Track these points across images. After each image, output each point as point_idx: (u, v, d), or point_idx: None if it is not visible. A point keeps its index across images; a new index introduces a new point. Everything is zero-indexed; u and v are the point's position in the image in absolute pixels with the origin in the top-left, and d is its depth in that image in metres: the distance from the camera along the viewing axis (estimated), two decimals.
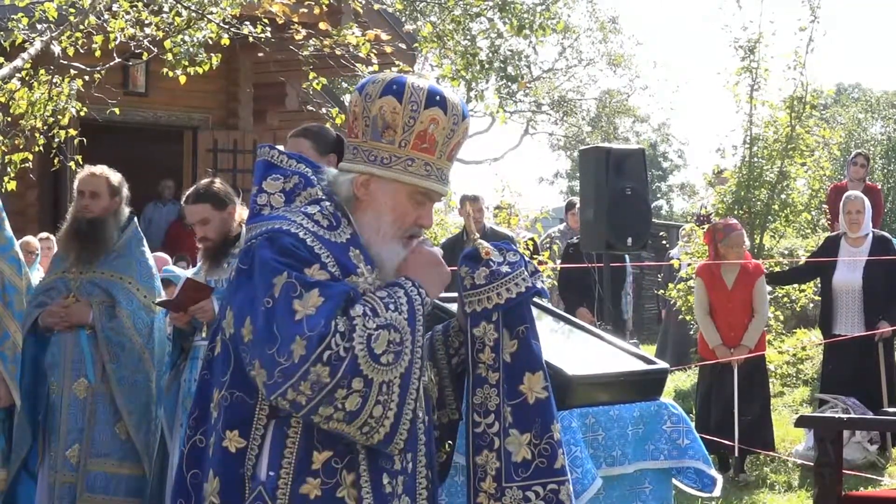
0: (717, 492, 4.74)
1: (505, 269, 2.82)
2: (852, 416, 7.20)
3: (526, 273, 2.84)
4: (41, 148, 8.07)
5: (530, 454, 2.75)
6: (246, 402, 2.54)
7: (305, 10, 8.23)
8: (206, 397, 2.64)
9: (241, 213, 5.23)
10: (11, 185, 7.92)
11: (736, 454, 8.01)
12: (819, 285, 9.21)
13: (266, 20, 8.09)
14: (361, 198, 2.65)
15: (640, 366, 4.76)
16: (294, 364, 2.38)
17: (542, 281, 2.94)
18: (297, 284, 2.44)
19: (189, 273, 5.72)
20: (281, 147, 2.85)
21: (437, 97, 2.64)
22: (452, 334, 2.91)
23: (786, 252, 11.89)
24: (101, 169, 5.45)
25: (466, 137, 2.75)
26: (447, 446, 2.90)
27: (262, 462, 2.52)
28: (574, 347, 4.89)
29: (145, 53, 8.00)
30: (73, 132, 8.11)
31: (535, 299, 3.16)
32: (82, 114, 8.05)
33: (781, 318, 10.56)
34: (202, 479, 2.58)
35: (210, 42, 7.94)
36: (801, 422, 5.47)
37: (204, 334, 5.08)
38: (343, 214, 2.65)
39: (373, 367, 2.42)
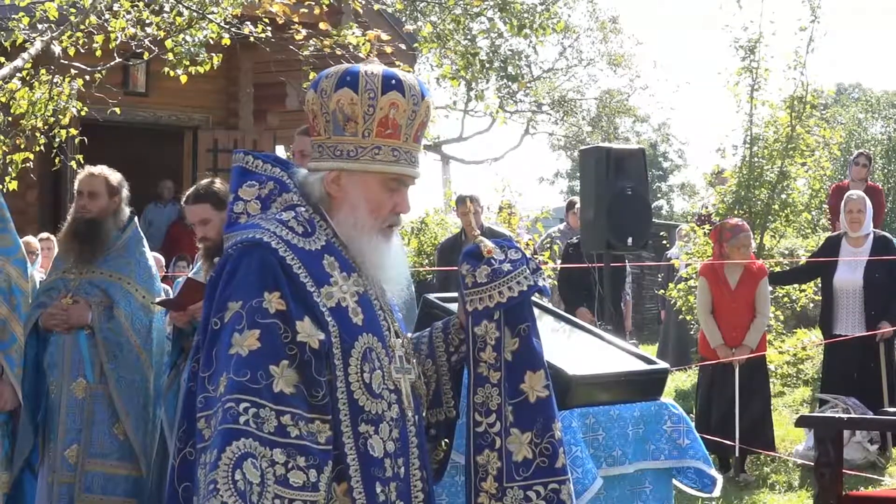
0: (717, 492, 4.74)
1: (507, 266, 2.81)
2: (852, 416, 7.20)
3: (528, 271, 2.83)
4: (42, 148, 8.07)
5: (531, 453, 2.74)
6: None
7: (305, 10, 8.23)
8: (192, 409, 2.58)
9: None
10: (13, 185, 7.92)
11: (736, 454, 8.01)
12: (819, 285, 9.20)
13: (266, 20, 8.09)
14: (334, 195, 2.63)
15: (640, 366, 4.76)
16: (215, 398, 2.40)
17: (545, 278, 2.91)
18: (244, 317, 2.43)
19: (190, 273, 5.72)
20: (255, 151, 2.84)
21: (393, 81, 2.61)
22: (453, 332, 2.89)
23: (786, 252, 11.89)
24: (101, 169, 5.45)
25: (430, 117, 2.72)
26: (444, 444, 2.88)
27: None
28: (574, 347, 4.88)
29: (146, 53, 8.00)
30: (73, 132, 8.11)
31: (537, 297, 3.14)
32: (83, 114, 8.05)
33: (782, 318, 10.56)
34: (194, 492, 2.53)
35: (211, 42, 7.94)
36: (801, 422, 5.46)
37: None
38: (320, 217, 2.63)
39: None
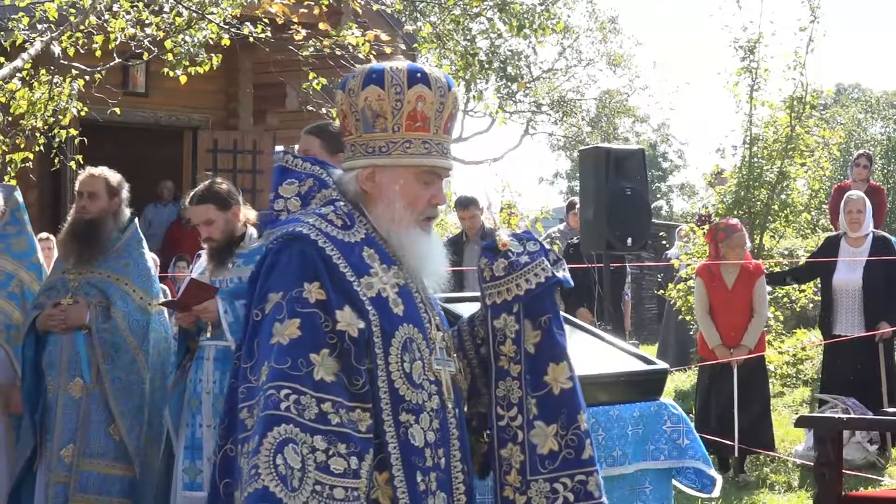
0: (716, 492, 4.75)
1: (524, 259, 2.80)
2: (852, 416, 7.20)
3: (547, 263, 2.81)
4: (41, 148, 8.07)
5: (557, 445, 2.73)
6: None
7: (305, 11, 8.22)
8: (234, 406, 2.62)
9: (246, 213, 5.23)
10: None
11: (736, 454, 8.01)
12: (819, 285, 9.21)
13: (266, 20, 8.09)
14: (369, 191, 2.65)
15: (640, 366, 4.77)
16: (257, 388, 2.42)
17: (565, 269, 2.88)
18: (285, 307, 2.46)
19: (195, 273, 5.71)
20: (295, 150, 2.87)
21: (419, 74, 2.64)
22: (478, 324, 2.87)
23: (786, 252, 11.89)
24: (101, 170, 5.45)
25: (458, 108, 2.73)
26: (485, 436, 2.85)
27: None
28: (574, 347, 4.89)
29: (146, 53, 7.99)
30: (73, 132, 8.11)
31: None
32: (83, 114, 8.05)
33: (781, 318, 10.57)
34: (234, 488, 2.56)
35: (210, 42, 7.94)
36: (801, 422, 5.47)
37: (209, 334, 5.07)
38: (359, 213, 2.65)
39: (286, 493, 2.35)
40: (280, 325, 2.44)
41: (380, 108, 2.61)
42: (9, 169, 7.94)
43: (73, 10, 7.58)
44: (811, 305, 10.62)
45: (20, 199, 5.50)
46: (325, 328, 2.46)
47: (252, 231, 5.20)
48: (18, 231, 5.50)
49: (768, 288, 8.68)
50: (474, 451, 2.81)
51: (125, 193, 5.48)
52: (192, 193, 5.23)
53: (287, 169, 2.78)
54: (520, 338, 2.76)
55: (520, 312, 2.76)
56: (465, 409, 2.81)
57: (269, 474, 2.33)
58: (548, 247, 2.88)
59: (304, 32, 8.00)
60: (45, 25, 7.63)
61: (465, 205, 9.55)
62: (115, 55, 8.07)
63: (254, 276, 2.59)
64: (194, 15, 7.80)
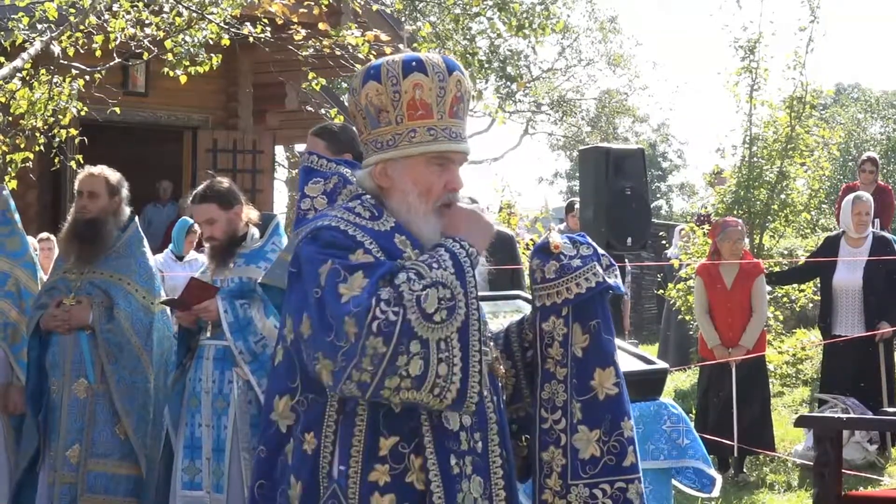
0: (716, 492, 4.75)
1: (576, 262, 2.79)
2: (852, 416, 7.21)
3: (598, 268, 2.80)
4: (41, 148, 8.06)
5: (599, 451, 2.71)
6: (318, 402, 2.55)
7: (305, 11, 8.22)
8: (267, 408, 2.63)
9: (248, 212, 5.23)
10: (12, 185, 7.91)
11: (735, 454, 8.01)
12: (819, 285, 9.21)
13: (265, 20, 8.09)
14: (384, 186, 2.65)
15: (640, 366, 4.77)
16: (353, 344, 2.37)
17: (617, 275, 2.87)
18: (341, 269, 2.45)
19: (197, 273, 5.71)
20: (316, 153, 2.86)
21: (414, 63, 2.63)
22: (526, 327, 2.86)
23: (785, 252, 11.90)
24: (100, 169, 5.44)
25: (464, 90, 2.71)
26: (524, 440, 2.84)
27: (335, 460, 2.51)
28: None
29: (145, 53, 7.99)
30: (73, 132, 8.11)
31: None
32: (83, 114, 8.05)
33: (781, 318, 10.57)
34: (268, 490, 2.59)
35: (210, 42, 7.94)
36: (801, 422, 5.47)
37: (209, 333, 5.08)
38: (385, 206, 2.64)
39: (427, 326, 2.39)
40: (345, 284, 2.43)
41: (380, 103, 2.62)
42: (9, 169, 7.94)
43: (73, 10, 7.57)
44: (811, 305, 10.62)
45: (10, 198, 5.49)
46: (386, 269, 2.47)
47: (254, 231, 5.20)
48: (10, 231, 5.49)
49: (768, 288, 8.68)
50: (515, 453, 2.80)
51: (125, 192, 5.48)
52: (194, 192, 5.22)
53: (312, 169, 2.80)
54: (568, 341, 2.74)
55: (569, 316, 2.75)
56: (506, 412, 2.79)
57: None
58: (601, 252, 2.87)
59: (303, 32, 8.00)
60: (45, 25, 7.63)
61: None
62: (115, 55, 8.07)
63: (292, 274, 2.58)
64: (194, 15, 7.79)
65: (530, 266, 2.83)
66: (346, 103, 2.81)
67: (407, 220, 2.62)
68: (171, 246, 9.67)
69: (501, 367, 2.78)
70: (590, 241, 2.89)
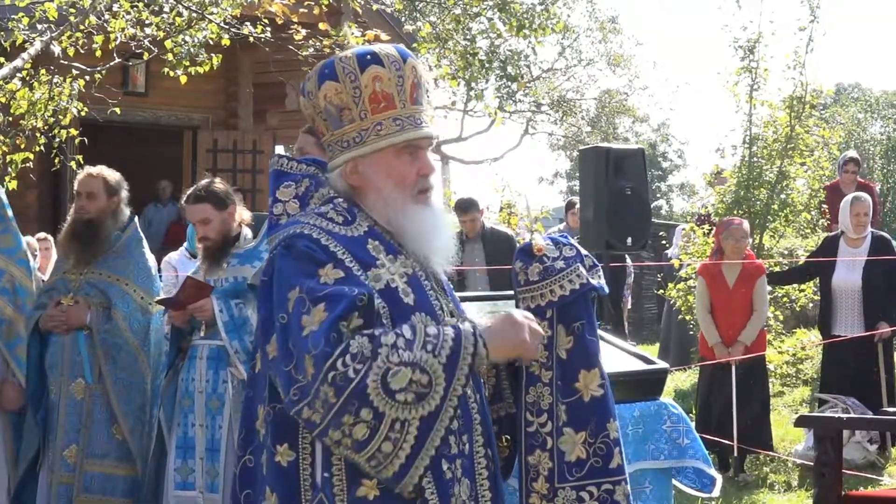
0: (716, 492, 4.74)
1: (559, 264, 2.77)
2: (852, 416, 7.20)
3: (582, 269, 2.79)
4: (42, 148, 8.06)
5: (585, 453, 2.70)
6: (288, 414, 2.47)
7: (305, 11, 8.23)
8: (250, 416, 2.59)
9: (242, 213, 5.24)
10: (12, 185, 7.92)
11: (735, 454, 8.01)
12: (818, 285, 9.22)
13: (266, 20, 8.09)
14: (356, 184, 2.62)
15: (640, 366, 4.77)
16: (308, 383, 2.33)
17: (601, 276, 2.86)
18: (307, 299, 2.39)
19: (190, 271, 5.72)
20: (287, 154, 2.83)
21: (369, 56, 2.60)
22: None
23: (785, 252, 11.89)
24: (99, 169, 5.45)
25: (423, 76, 2.67)
26: (505, 440, 2.82)
27: (317, 470, 2.46)
28: None
29: (146, 53, 8.00)
30: (73, 132, 8.11)
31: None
32: (83, 114, 8.05)
33: (781, 318, 10.57)
34: (254, 499, 2.54)
35: (210, 42, 7.94)
36: (801, 422, 5.46)
37: (202, 333, 5.08)
38: (359, 208, 2.61)
39: (385, 400, 2.31)
40: (307, 317, 2.37)
41: (341, 101, 2.59)
42: (9, 169, 7.94)
43: (73, 10, 7.58)
44: (811, 305, 10.62)
45: (2, 195, 5.49)
46: (351, 295, 2.40)
47: (247, 231, 5.22)
48: (4, 228, 5.48)
49: (768, 287, 8.68)
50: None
51: (124, 193, 5.48)
52: (189, 192, 5.24)
53: (283, 172, 2.76)
54: (552, 344, 2.73)
55: (553, 318, 2.74)
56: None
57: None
58: (584, 252, 2.85)
59: (303, 32, 8.01)
60: (45, 25, 7.63)
61: (466, 208, 9.52)
62: (115, 55, 8.07)
63: (264, 283, 2.55)
64: (194, 15, 7.80)
65: (513, 269, 2.80)
66: (301, 107, 2.75)
67: (385, 216, 2.59)
68: (185, 244, 9.69)
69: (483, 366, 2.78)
70: (573, 241, 2.88)
